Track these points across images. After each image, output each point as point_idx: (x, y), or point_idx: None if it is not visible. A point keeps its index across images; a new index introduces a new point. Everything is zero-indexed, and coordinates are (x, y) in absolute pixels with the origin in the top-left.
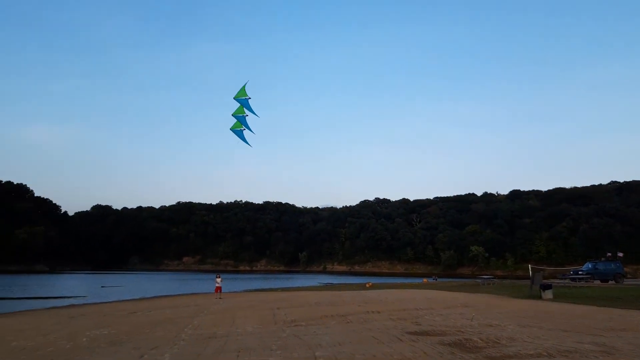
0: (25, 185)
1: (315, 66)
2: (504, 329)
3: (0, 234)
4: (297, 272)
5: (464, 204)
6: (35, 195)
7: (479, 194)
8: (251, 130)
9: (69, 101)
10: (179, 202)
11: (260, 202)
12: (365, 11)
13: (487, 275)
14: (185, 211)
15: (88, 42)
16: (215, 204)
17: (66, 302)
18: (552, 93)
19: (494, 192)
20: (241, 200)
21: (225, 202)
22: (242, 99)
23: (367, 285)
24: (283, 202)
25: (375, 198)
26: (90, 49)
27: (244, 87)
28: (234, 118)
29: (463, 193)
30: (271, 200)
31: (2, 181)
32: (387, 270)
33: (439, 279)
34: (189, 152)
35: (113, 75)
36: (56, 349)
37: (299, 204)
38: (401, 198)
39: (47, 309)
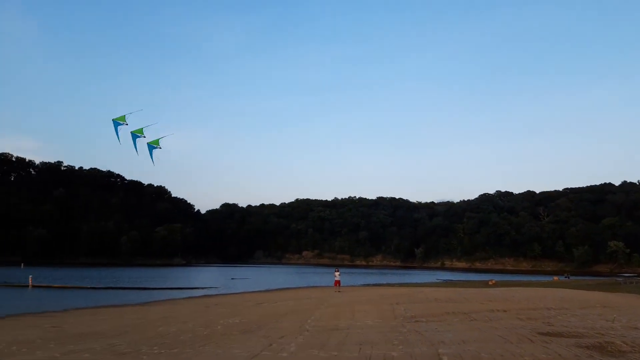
0: (164, 187)
1: (413, 62)
2: None
3: (144, 231)
4: (414, 268)
5: (599, 194)
6: (172, 196)
7: (616, 183)
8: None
9: (194, 110)
10: (297, 199)
11: (374, 197)
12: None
13: (629, 273)
14: (304, 207)
15: (206, 54)
16: (330, 200)
17: (201, 292)
18: None
19: (634, 180)
20: (355, 196)
21: (340, 198)
22: (119, 123)
23: (490, 283)
24: (397, 197)
25: (497, 191)
26: (210, 60)
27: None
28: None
29: (598, 183)
30: (385, 195)
31: (144, 184)
32: (511, 267)
33: (571, 277)
34: (305, 150)
35: (230, 83)
36: (195, 335)
37: (413, 198)
38: (525, 190)
39: (185, 299)
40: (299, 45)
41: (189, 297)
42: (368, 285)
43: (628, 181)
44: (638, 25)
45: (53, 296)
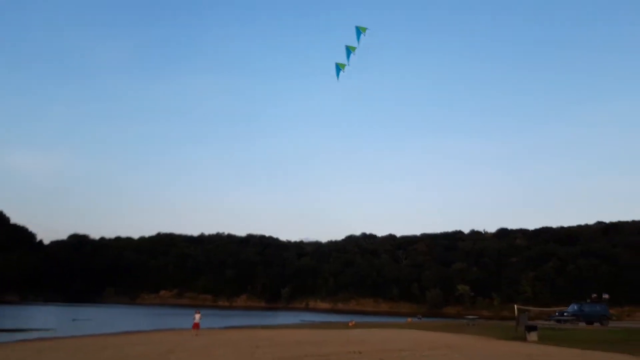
0: (1, 211)
1: (302, 102)
2: None
3: None
4: (279, 308)
5: (451, 241)
6: (12, 222)
7: (466, 231)
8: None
9: (54, 128)
10: (159, 233)
11: (244, 234)
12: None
13: (473, 315)
14: (165, 242)
15: (78, 68)
16: (196, 235)
17: (35, 334)
18: (539, 131)
19: (481, 229)
20: (224, 232)
21: (207, 233)
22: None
23: (350, 324)
24: (267, 235)
25: (362, 233)
26: (78, 76)
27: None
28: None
29: (450, 230)
30: (255, 232)
31: None
32: (371, 309)
33: (424, 318)
34: (171, 182)
35: (98, 102)
36: None
37: (283, 237)
38: (388, 233)
39: (14, 343)
40: (179, 70)
41: (20, 341)
42: (230, 327)
43: (476, 230)
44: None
45: None
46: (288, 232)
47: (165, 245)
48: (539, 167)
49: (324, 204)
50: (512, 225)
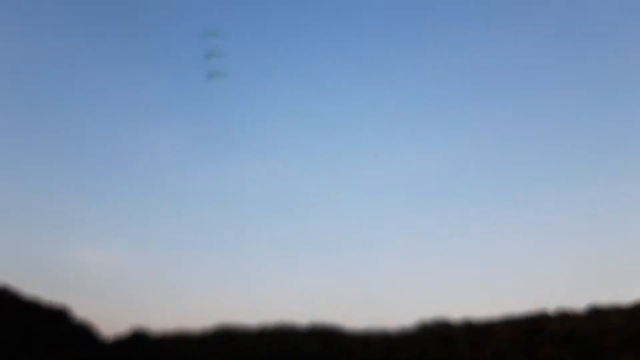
0: (65, 306)
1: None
2: None
3: None
4: None
5: (535, 323)
6: (74, 317)
7: (551, 310)
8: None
9: (112, 221)
10: (219, 325)
11: (305, 322)
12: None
13: None
14: (226, 336)
15: (129, 163)
16: (256, 325)
17: None
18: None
19: (568, 308)
20: (284, 322)
21: (268, 321)
22: None
23: None
24: (330, 325)
25: (433, 317)
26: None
27: None
28: None
29: (533, 310)
30: (317, 319)
31: (42, 302)
32: None
33: None
34: (227, 269)
35: (151, 195)
36: None
37: (347, 322)
38: (462, 317)
39: None
40: (228, 157)
41: None
42: None
43: (562, 308)
44: None
45: None
46: (352, 317)
47: (226, 339)
48: (630, 232)
49: (388, 286)
50: (604, 300)
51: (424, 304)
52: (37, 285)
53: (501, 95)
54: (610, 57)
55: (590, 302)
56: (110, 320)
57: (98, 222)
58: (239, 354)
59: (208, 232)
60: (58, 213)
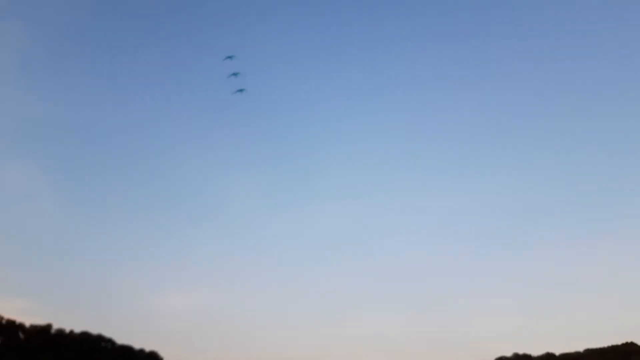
0: (156, 352)
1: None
2: None
3: None
4: None
5: (623, 355)
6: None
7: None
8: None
9: (196, 266)
10: None
11: None
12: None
13: None
14: None
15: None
16: None
17: None
18: None
19: None
20: None
21: None
22: None
23: None
24: None
25: (514, 353)
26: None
27: None
28: None
29: (620, 342)
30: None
31: (135, 349)
32: None
33: None
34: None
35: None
36: None
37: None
38: (544, 352)
39: None
40: (305, 199)
41: None
42: None
43: None
44: None
45: None
46: (430, 355)
47: None
48: None
49: (463, 322)
50: None
51: (501, 338)
52: (128, 331)
53: None
54: None
55: None
56: None
57: (184, 267)
58: None
59: (289, 271)
60: (147, 260)
